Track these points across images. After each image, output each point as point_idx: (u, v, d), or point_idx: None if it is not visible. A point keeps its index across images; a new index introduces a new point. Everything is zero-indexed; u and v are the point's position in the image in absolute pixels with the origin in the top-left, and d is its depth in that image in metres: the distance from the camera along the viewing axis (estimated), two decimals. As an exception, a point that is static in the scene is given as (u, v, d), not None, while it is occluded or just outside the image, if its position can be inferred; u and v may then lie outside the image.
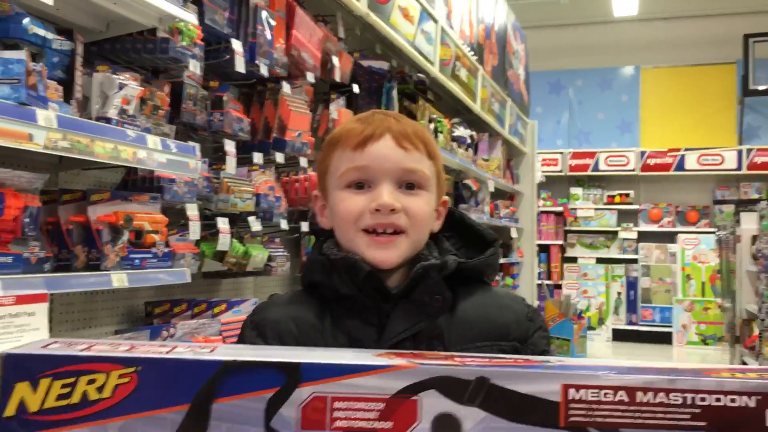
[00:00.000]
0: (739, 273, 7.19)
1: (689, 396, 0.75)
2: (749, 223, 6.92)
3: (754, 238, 6.61)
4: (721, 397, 0.74)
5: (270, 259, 3.06)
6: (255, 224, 2.88)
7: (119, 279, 1.97)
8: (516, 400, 0.74)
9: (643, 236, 10.28)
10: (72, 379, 0.71)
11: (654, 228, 10.30)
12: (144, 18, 2.18)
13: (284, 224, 3.09)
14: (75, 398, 0.71)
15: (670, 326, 9.65)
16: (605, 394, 0.74)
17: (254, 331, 1.15)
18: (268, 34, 2.87)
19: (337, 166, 1.14)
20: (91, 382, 0.72)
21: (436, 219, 1.19)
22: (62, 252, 1.99)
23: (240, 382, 0.73)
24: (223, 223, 2.67)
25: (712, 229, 9.54)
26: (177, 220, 2.52)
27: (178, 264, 2.31)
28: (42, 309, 1.65)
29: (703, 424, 0.74)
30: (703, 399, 0.74)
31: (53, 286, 1.76)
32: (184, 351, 0.76)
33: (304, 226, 3.34)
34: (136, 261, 2.10)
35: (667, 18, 10.49)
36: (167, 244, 2.25)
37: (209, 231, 2.70)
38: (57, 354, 0.73)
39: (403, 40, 4.06)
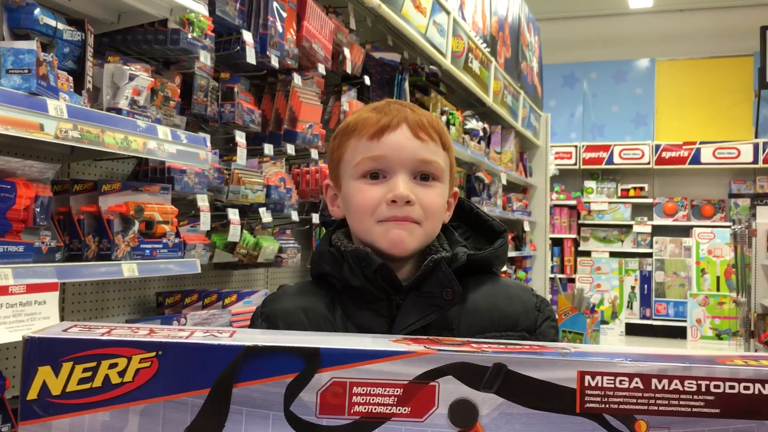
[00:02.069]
0: (754, 267, 7.13)
1: (703, 383, 0.75)
2: (765, 216, 6.86)
3: (770, 232, 6.55)
4: (735, 384, 0.75)
5: (281, 250, 3.07)
6: (266, 216, 2.88)
7: (130, 269, 1.98)
8: (533, 386, 0.75)
9: (658, 230, 10.21)
10: (93, 363, 0.72)
11: (669, 222, 10.22)
12: (155, 9, 2.18)
13: (295, 216, 3.10)
14: (97, 382, 0.71)
15: (684, 321, 9.59)
16: (621, 381, 0.75)
17: (265, 322, 1.15)
18: (279, 26, 2.87)
19: (352, 156, 1.14)
20: (112, 366, 0.72)
21: (446, 210, 1.19)
22: (74, 242, 2.00)
23: (260, 366, 0.73)
24: (233, 215, 2.68)
25: (728, 223, 9.46)
26: (188, 211, 2.53)
27: (189, 254, 2.32)
28: (53, 298, 1.66)
29: (716, 411, 0.75)
30: (717, 386, 0.75)
31: (64, 275, 1.78)
32: (202, 336, 0.76)
33: (315, 218, 3.35)
34: (147, 251, 2.11)
35: (682, 10, 10.38)
36: (178, 235, 2.26)
37: (220, 222, 2.71)
38: (79, 338, 0.73)
39: (414, 31, 4.05)
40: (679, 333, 9.57)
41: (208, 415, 0.72)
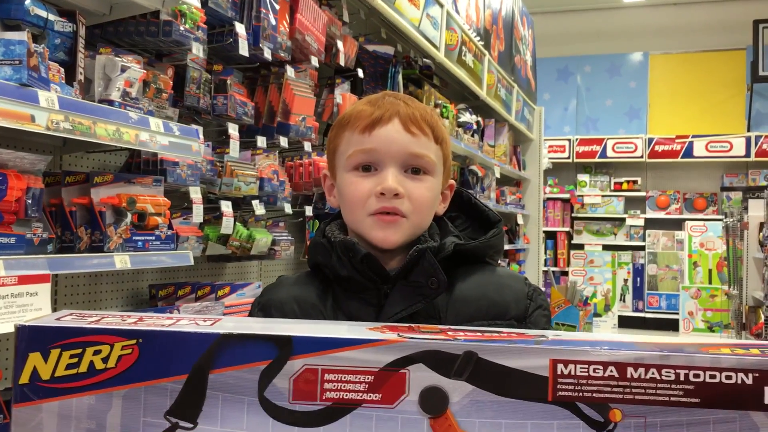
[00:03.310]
0: (746, 260, 7.17)
1: (682, 372, 0.74)
2: (757, 210, 6.89)
3: (762, 225, 6.58)
4: (716, 373, 0.74)
5: (274, 242, 3.07)
6: (259, 208, 2.89)
7: (122, 260, 1.98)
8: (504, 374, 0.75)
9: (651, 223, 10.25)
10: (79, 350, 0.75)
11: (661, 215, 10.26)
12: (147, 1, 2.17)
13: (288, 208, 3.10)
14: (82, 368, 0.75)
15: (676, 313, 9.63)
16: (594, 369, 0.75)
17: (261, 312, 1.19)
18: (272, 18, 2.86)
19: (345, 148, 1.16)
20: (96, 353, 0.75)
21: (441, 202, 1.21)
22: (66, 234, 2.00)
23: (235, 354, 0.75)
24: (226, 207, 2.68)
25: (720, 217, 9.50)
26: (181, 203, 2.53)
27: (182, 247, 2.32)
28: (44, 289, 1.66)
29: (696, 400, 0.74)
30: (696, 375, 0.74)
31: (56, 266, 1.78)
32: (185, 324, 0.79)
33: (308, 211, 3.35)
34: (139, 243, 2.11)
35: (676, 3, 10.40)
36: (170, 227, 2.26)
37: (213, 214, 2.71)
38: (65, 326, 0.76)
39: (408, 24, 4.04)
40: (672, 326, 9.62)
41: (186, 400, 0.74)
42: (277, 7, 2.91)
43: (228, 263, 3.21)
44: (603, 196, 10.46)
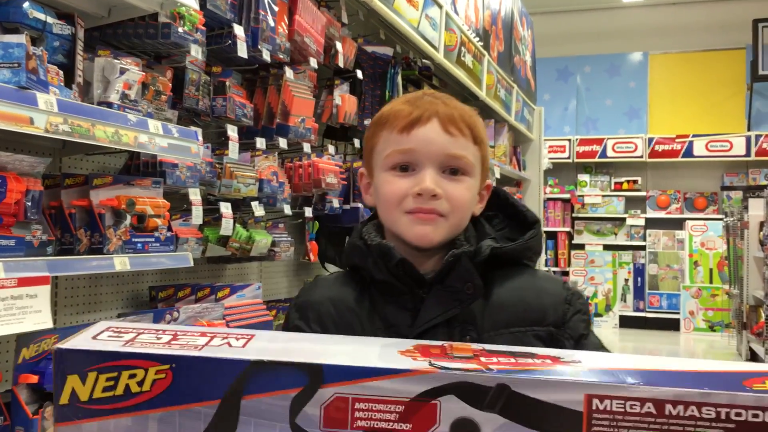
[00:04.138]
0: (746, 259, 7.17)
1: (723, 411, 0.72)
2: (757, 209, 6.89)
3: (762, 224, 6.58)
4: (759, 413, 0.71)
5: (274, 244, 3.08)
6: (258, 209, 2.89)
7: (122, 262, 1.98)
8: (537, 408, 0.73)
9: (651, 223, 10.25)
10: (115, 374, 0.76)
11: (662, 215, 10.26)
12: (145, 3, 2.18)
13: (288, 209, 3.10)
14: (119, 390, 0.76)
15: (677, 313, 9.63)
16: (631, 405, 0.73)
17: (297, 313, 1.19)
18: (271, 20, 2.87)
19: (383, 147, 1.16)
20: (132, 376, 0.76)
21: (478, 202, 1.20)
22: (65, 236, 2.01)
23: (266, 380, 0.75)
24: (226, 208, 2.68)
25: (720, 216, 9.50)
26: (180, 205, 2.54)
27: (181, 248, 2.32)
28: (44, 291, 1.67)
29: None
30: (738, 414, 0.72)
31: (55, 269, 1.78)
32: (218, 343, 0.79)
33: (308, 212, 3.35)
34: (139, 245, 2.11)
35: (675, 3, 10.40)
36: (170, 229, 2.27)
37: (212, 216, 2.71)
38: (100, 350, 0.77)
39: (407, 25, 4.05)
40: (673, 325, 9.62)
41: (219, 425, 0.75)
42: (276, 8, 2.91)
43: (228, 265, 3.21)
44: (603, 196, 10.46)
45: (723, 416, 0.72)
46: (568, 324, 1.13)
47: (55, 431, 0.77)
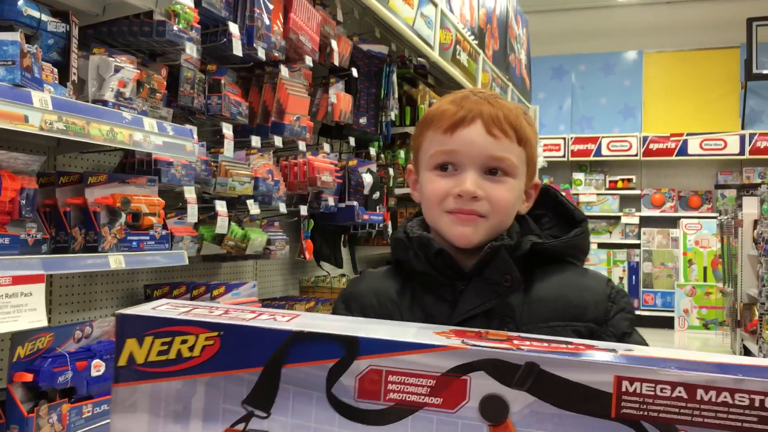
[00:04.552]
0: (740, 257, 7.19)
1: (758, 398, 0.71)
2: (751, 207, 6.91)
3: (756, 223, 6.60)
4: None
5: (269, 242, 3.08)
6: (253, 207, 2.89)
7: (116, 260, 1.98)
8: (566, 387, 0.74)
9: (645, 221, 10.27)
10: (169, 339, 0.81)
11: (656, 213, 10.29)
12: (140, 1, 2.17)
13: (283, 208, 3.10)
14: (171, 355, 0.81)
15: (671, 311, 9.66)
16: (662, 389, 0.72)
17: (342, 303, 1.23)
18: (266, 18, 2.86)
19: (428, 146, 1.18)
20: (183, 342, 0.81)
21: (525, 201, 1.21)
22: (60, 234, 2.00)
23: (306, 351, 0.78)
24: (221, 207, 2.68)
25: (714, 214, 9.53)
26: (175, 203, 2.53)
27: (176, 246, 2.32)
28: (39, 289, 1.66)
29: None
30: None
31: (50, 267, 1.78)
32: (265, 318, 0.83)
33: (303, 210, 3.35)
34: (134, 243, 2.11)
35: (670, 2, 10.42)
36: (165, 227, 2.26)
37: (208, 214, 2.71)
38: (157, 316, 0.82)
39: (402, 23, 4.05)
40: (667, 323, 9.64)
41: (261, 391, 0.79)
42: (271, 6, 2.91)
43: (223, 263, 3.21)
44: (598, 194, 10.48)
45: (757, 404, 0.71)
46: (610, 322, 1.13)
47: (112, 391, 0.82)
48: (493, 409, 0.75)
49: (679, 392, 0.72)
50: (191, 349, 0.80)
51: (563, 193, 1.24)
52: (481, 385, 0.75)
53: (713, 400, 0.71)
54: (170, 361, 0.80)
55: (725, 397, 0.71)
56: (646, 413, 0.73)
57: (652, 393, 0.73)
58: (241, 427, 0.79)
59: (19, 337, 1.77)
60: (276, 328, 0.80)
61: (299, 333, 0.79)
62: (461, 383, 0.75)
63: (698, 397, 0.72)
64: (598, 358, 0.76)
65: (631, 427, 0.73)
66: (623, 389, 0.73)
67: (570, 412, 0.74)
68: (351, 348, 0.77)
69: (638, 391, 0.73)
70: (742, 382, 0.71)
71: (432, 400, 0.76)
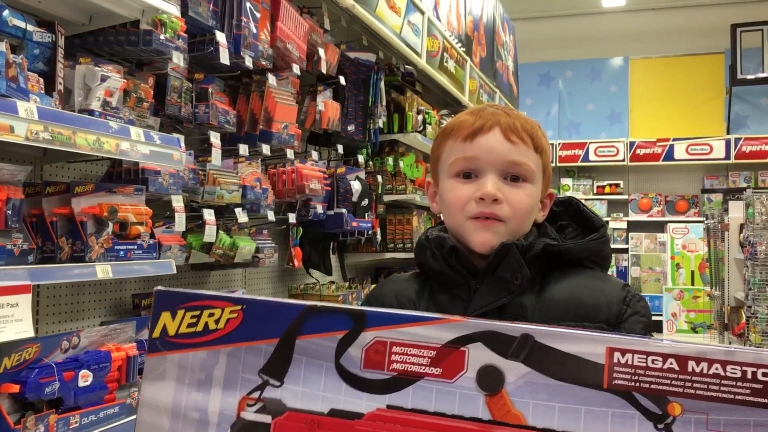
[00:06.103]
0: (727, 261, 7.23)
1: (749, 369, 0.71)
2: (737, 211, 6.95)
3: (742, 227, 6.65)
4: None
5: (258, 250, 3.07)
6: (242, 216, 2.89)
7: (104, 270, 1.97)
8: (559, 358, 0.76)
9: (633, 226, 10.33)
10: (198, 312, 0.88)
11: (643, 218, 10.34)
12: (126, 10, 2.18)
13: (271, 216, 3.10)
14: (199, 327, 0.88)
15: (660, 315, 9.70)
16: (653, 360, 0.74)
17: (366, 304, 1.30)
18: (253, 26, 2.87)
19: (447, 156, 1.22)
20: (210, 315, 0.87)
21: (540, 210, 1.24)
22: (47, 244, 1.99)
23: (318, 323, 0.84)
24: (209, 215, 2.68)
25: (701, 218, 9.58)
26: (163, 212, 2.53)
27: (164, 255, 2.32)
28: (25, 300, 1.66)
29: (764, 400, 0.71)
30: (765, 374, 0.71)
31: (37, 277, 1.77)
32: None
33: (292, 218, 3.35)
34: (121, 252, 2.10)
35: (655, 8, 10.51)
36: (153, 236, 2.26)
37: (196, 223, 2.71)
38: (189, 292, 0.90)
39: (389, 31, 4.07)
40: (655, 327, 9.67)
41: (276, 361, 0.85)
42: (258, 15, 2.92)
43: (212, 271, 3.20)
44: (586, 199, 10.53)
45: (749, 375, 0.71)
46: (623, 324, 1.15)
47: (145, 361, 0.89)
48: (490, 380, 0.78)
49: (671, 364, 0.74)
50: (217, 321, 0.87)
51: (586, 205, 1.27)
52: (479, 356, 0.78)
53: (705, 371, 0.73)
54: (197, 333, 0.87)
55: (717, 368, 0.72)
56: (638, 384, 0.74)
57: (644, 364, 0.74)
58: (256, 395, 0.84)
59: (5, 348, 1.76)
60: (293, 302, 0.87)
61: (313, 306, 0.85)
62: (460, 354, 0.79)
63: (689, 369, 0.73)
64: (590, 332, 0.78)
65: (623, 398, 0.75)
66: (615, 360, 0.75)
67: (563, 383, 0.76)
68: (359, 320, 0.83)
69: (630, 362, 0.75)
70: (734, 354, 0.72)
71: (432, 370, 0.80)
